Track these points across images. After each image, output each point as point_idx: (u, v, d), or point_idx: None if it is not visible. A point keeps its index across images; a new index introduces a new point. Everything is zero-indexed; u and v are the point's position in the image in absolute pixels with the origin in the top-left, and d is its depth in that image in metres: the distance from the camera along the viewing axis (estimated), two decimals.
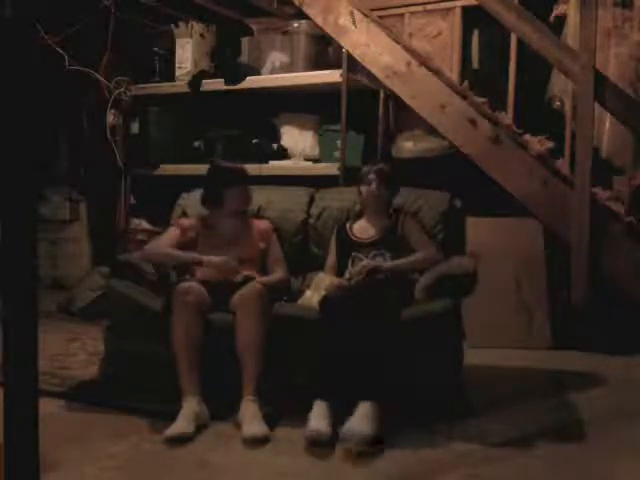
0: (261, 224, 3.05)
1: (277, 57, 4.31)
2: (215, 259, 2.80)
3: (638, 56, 3.77)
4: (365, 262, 2.78)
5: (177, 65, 4.54)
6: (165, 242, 2.94)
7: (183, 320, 2.53)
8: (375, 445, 2.19)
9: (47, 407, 2.38)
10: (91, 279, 4.43)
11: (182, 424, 2.31)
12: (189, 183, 3.32)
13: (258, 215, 3.17)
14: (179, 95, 4.52)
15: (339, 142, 4.03)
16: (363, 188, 2.93)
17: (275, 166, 4.27)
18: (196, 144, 4.63)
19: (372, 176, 2.91)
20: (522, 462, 2.14)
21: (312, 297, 2.79)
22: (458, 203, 3.10)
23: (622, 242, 3.46)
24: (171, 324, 2.54)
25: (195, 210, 3.16)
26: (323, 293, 2.72)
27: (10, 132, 1.22)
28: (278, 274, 2.93)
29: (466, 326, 2.74)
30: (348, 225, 2.99)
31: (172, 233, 2.99)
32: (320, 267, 3.03)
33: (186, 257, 2.87)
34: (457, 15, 4.03)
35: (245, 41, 4.46)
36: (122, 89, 4.59)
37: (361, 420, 2.21)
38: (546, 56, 3.50)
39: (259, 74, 4.33)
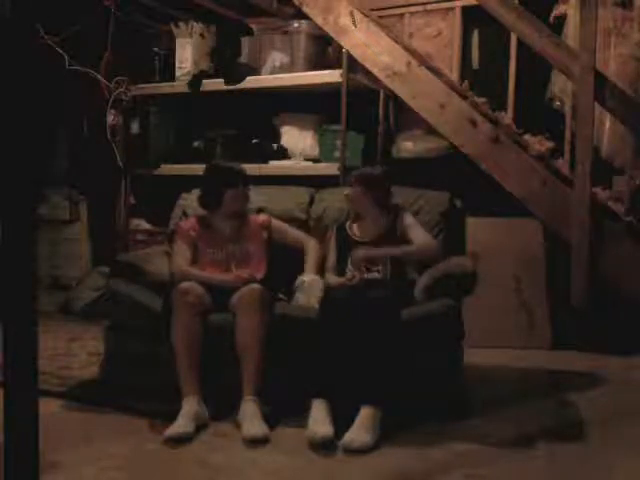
0: (259, 218, 3.04)
1: (277, 57, 4.31)
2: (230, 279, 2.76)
3: (638, 56, 3.77)
4: (358, 252, 2.78)
5: (177, 65, 4.54)
6: (186, 261, 2.87)
7: (183, 320, 2.53)
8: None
9: (47, 407, 2.38)
10: (91, 279, 4.43)
11: (182, 424, 2.31)
12: (189, 183, 3.31)
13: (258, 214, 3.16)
14: (179, 95, 4.52)
15: (339, 142, 4.02)
16: (348, 193, 2.95)
17: (275, 166, 4.27)
18: (196, 144, 4.63)
19: (352, 181, 2.92)
20: (522, 462, 2.14)
21: (309, 300, 2.79)
22: (458, 203, 3.10)
23: (622, 242, 3.46)
24: (171, 324, 2.55)
25: (195, 210, 3.15)
26: (319, 295, 2.72)
27: (10, 132, 1.22)
28: (311, 251, 2.97)
29: (466, 326, 2.74)
30: (348, 225, 2.99)
31: (184, 248, 2.91)
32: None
33: (217, 279, 2.78)
34: (457, 15, 4.03)
35: (245, 41, 4.45)
36: (122, 89, 4.59)
37: (362, 428, 2.22)
38: (546, 56, 3.50)
39: (259, 74, 4.33)
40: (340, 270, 2.90)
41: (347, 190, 2.96)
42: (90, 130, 4.76)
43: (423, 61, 3.77)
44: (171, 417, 2.35)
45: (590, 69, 3.36)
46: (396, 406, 2.35)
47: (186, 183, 3.35)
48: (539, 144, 3.67)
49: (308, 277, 2.88)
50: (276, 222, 3.04)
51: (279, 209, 3.21)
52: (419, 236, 2.82)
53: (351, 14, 3.85)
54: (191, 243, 2.92)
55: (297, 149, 4.35)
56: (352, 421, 2.25)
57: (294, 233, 3.06)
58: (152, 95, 4.65)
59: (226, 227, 2.96)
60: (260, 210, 3.17)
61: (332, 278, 2.88)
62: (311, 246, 3.00)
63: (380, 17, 4.00)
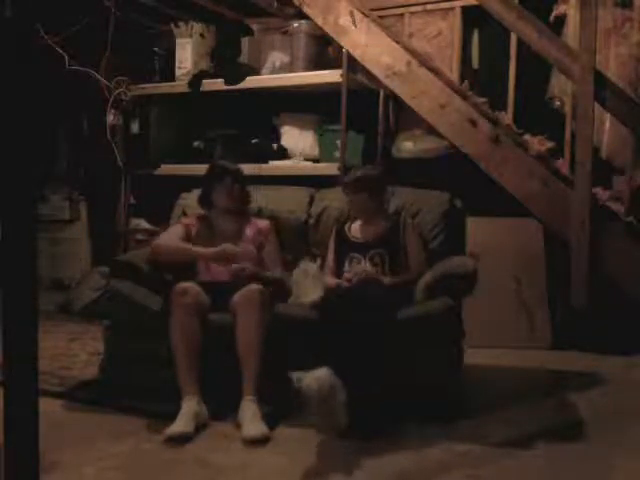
0: (260, 223, 3.05)
1: (277, 57, 4.31)
2: (209, 252, 2.80)
3: (638, 56, 3.76)
4: (363, 267, 2.77)
5: (177, 65, 4.54)
6: (172, 237, 2.94)
7: (181, 321, 2.53)
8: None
9: (47, 407, 2.37)
10: (91, 279, 4.42)
11: (182, 424, 2.31)
12: (189, 183, 3.32)
13: (259, 215, 3.17)
14: (179, 95, 4.52)
15: (339, 142, 4.02)
16: (347, 198, 2.93)
17: (275, 166, 4.27)
18: (196, 144, 4.63)
19: (350, 188, 2.89)
20: (522, 462, 2.14)
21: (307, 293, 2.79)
22: (458, 203, 3.10)
23: (622, 242, 3.46)
24: (169, 324, 2.55)
25: (195, 210, 3.16)
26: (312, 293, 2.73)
27: (10, 132, 1.22)
28: (273, 274, 2.91)
29: (466, 326, 2.74)
30: (347, 225, 2.99)
31: (177, 230, 3.01)
32: (320, 267, 3.03)
33: (193, 251, 2.85)
34: (457, 15, 4.02)
35: (245, 41, 4.45)
36: (122, 89, 4.59)
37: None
38: (546, 56, 3.50)
39: (259, 74, 4.33)
40: (338, 271, 2.90)
41: (347, 196, 2.92)
42: (90, 130, 4.75)
43: (423, 61, 3.77)
44: (171, 417, 2.34)
45: (590, 69, 3.36)
46: (395, 405, 2.35)
47: (186, 183, 3.36)
48: (539, 144, 3.67)
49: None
50: (273, 239, 3.02)
51: (279, 209, 3.21)
52: (415, 260, 2.80)
53: (351, 14, 3.84)
54: (185, 233, 2.95)
55: (297, 149, 4.35)
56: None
57: (276, 260, 3.00)
58: (152, 95, 4.65)
59: (225, 226, 2.97)
60: (260, 211, 3.17)
61: (330, 279, 2.88)
62: (277, 274, 2.91)
63: (380, 17, 4.00)
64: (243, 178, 3.05)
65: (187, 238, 2.95)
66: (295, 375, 2.18)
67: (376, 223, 2.90)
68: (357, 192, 2.86)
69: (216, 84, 4.35)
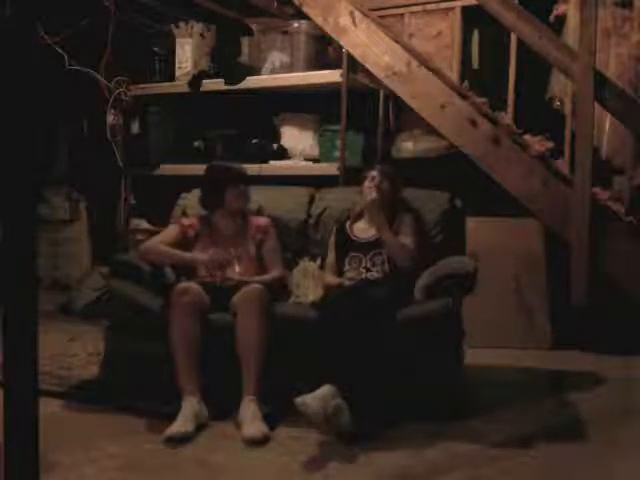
0: (260, 220, 3.04)
1: (277, 57, 4.31)
2: (202, 257, 2.82)
3: (638, 56, 3.76)
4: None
5: (177, 65, 4.54)
6: (163, 239, 2.95)
7: (180, 320, 2.53)
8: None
9: (47, 407, 2.38)
10: (91, 279, 4.43)
11: (182, 424, 2.31)
12: (189, 183, 3.32)
13: (258, 214, 3.16)
14: (179, 95, 4.53)
15: (339, 142, 4.02)
16: (365, 186, 2.93)
17: (275, 166, 4.27)
18: (196, 144, 4.63)
19: (374, 173, 2.91)
20: (522, 462, 2.14)
21: (307, 293, 2.80)
22: (458, 203, 3.10)
23: (622, 242, 3.46)
24: (169, 325, 2.55)
25: (195, 210, 3.16)
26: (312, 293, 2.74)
27: (10, 132, 1.22)
28: (273, 273, 2.90)
29: (466, 326, 2.74)
30: (348, 225, 2.99)
31: (171, 231, 3.01)
32: (320, 267, 3.03)
33: (182, 257, 2.88)
34: (457, 15, 4.03)
35: (245, 41, 4.46)
36: (122, 89, 4.59)
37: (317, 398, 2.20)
38: (546, 56, 3.50)
39: (259, 74, 4.33)
40: (339, 270, 2.90)
41: (367, 183, 2.93)
42: (90, 130, 4.75)
43: (423, 61, 3.77)
44: (171, 417, 2.34)
45: (590, 69, 3.36)
46: (395, 406, 2.35)
47: (186, 183, 3.36)
48: (539, 144, 3.66)
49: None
50: (273, 236, 3.00)
51: (279, 209, 3.21)
52: (404, 237, 2.81)
53: (351, 14, 3.85)
54: (182, 235, 2.95)
55: (297, 149, 4.35)
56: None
57: (276, 257, 2.98)
58: (152, 95, 4.65)
59: (227, 226, 2.97)
60: (260, 210, 3.17)
61: (330, 278, 2.88)
62: (276, 272, 2.91)
63: (380, 17, 4.00)
64: (247, 178, 3.05)
65: (183, 240, 2.94)
66: (298, 400, 2.18)
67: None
68: (385, 179, 2.91)
69: (216, 84, 4.35)
